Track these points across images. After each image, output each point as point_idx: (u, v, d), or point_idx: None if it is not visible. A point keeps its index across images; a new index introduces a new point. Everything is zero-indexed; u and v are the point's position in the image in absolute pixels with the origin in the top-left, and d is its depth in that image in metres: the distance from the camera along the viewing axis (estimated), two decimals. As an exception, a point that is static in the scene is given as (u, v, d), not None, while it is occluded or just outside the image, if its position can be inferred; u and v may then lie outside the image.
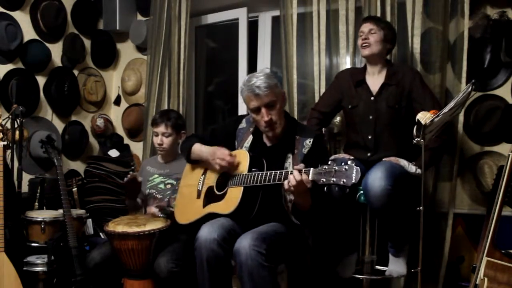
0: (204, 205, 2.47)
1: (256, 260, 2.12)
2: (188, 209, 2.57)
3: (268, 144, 2.47)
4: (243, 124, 2.59)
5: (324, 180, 1.99)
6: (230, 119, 2.57)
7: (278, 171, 2.18)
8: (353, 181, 1.91)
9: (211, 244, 2.19)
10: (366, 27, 2.71)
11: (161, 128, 2.96)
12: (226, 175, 2.44)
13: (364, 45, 2.68)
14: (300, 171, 2.08)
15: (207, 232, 2.23)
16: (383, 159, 2.59)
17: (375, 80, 2.73)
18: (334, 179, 1.96)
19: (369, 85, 2.73)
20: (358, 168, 1.93)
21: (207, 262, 2.21)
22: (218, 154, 2.41)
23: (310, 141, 2.37)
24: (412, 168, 2.55)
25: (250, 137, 2.51)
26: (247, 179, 2.28)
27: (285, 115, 2.47)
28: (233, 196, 2.32)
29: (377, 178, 2.39)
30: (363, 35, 2.70)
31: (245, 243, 2.15)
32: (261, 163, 2.33)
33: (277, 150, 2.41)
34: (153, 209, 2.85)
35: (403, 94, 2.66)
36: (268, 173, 2.21)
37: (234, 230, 2.30)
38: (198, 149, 2.55)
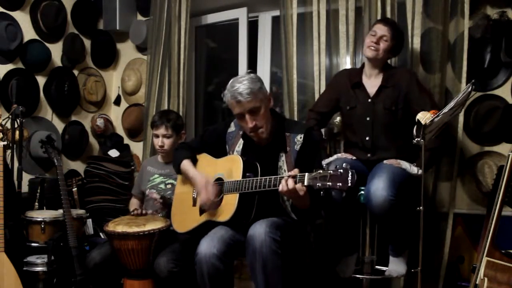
0: (201, 213, 2.46)
1: (271, 247, 2.11)
2: (185, 218, 2.55)
3: (259, 145, 2.44)
4: (232, 128, 2.56)
5: (320, 184, 1.97)
6: (220, 122, 2.55)
7: (273, 177, 2.16)
8: (349, 184, 1.90)
9: (211, 259, 2.18)
10: (381, 30, 2.65)
11: (161, 130, 2.96)
12: (220, 181, 2.42)
13: (372, 47, 2.65)
14: (294, 177, 2.06)
15: (206, 247, 2.21)
16: (384, 162, 2.59)
17: (372, 82, 2.73)
18: (330, 184, 1.93)
19: (366, 87, 2.73)
20: (354, 171, 1.91)
21: (208, 277, 2.20)
22: (202, 194, 2.36)
23: (301, 137, 2.35)
24: (414, 169, 2.55)
25: (241, 141, 2.49)
26: (242, 185, 2.26)
27: (273, 113, 2.44)
28: (229, 203, 2.30)
29: (379, 188, 2.38)
30: (375, 35, 2.65)
31: (260, 229, 2.14)
32: (255, 167, 2.30)
33: (269, 150, 2.39)
34: (155, 195, 2.87)
35: (400, 96, 2.66)
36: (263, 179, 2.19)
37: (234, 240, 2.28)
38: (185, 170, 2.52)
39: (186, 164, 2.53)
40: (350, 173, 1.90)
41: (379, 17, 2.95)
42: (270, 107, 2.40)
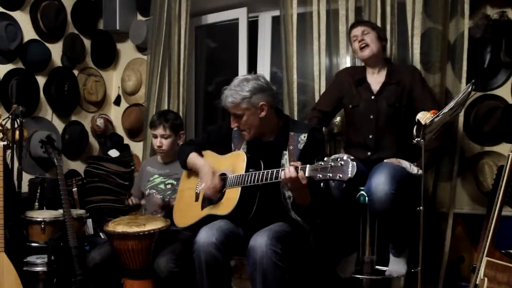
0: (202, 207, 2.48)
1: (271, 259, 2.12)
2: (186, 213, 2.57)
3: (263, 142, 2.47)
4: None
5: (321, 176, 2.00)
6: (224, 121, 2.60)
7: (275, 169, 2.19)
8: (349, 175, 1.92)
9: (209, 248, 2.19)
10: (357, 30, 2.72)
11: (159, 130, 2.96)
12: (224, 176, 2.44)
13: (362, 46, 2.68)
14: (296, 168, 2.09)
15: (205, 236, 2.23)
16: (385, 161, 2.59)
17: (375, 79, 2.73)
18: (330, 175, 1.96)
19: (370, 84, 2.73)
20: (354, 163, 1.93)
21: (206, 265, 2.21)
22: (208, 183, 2.42)
23: (304, 136, 2.39)
24: (414, 169, 2.55)
25: None
26: (244, 179, 2.29)
27: (278, 113, 2.48)
28: (231, 196, 2.33)
29: (380, 183, 2.39)
30: (357, 38, 2.70)
31: (261, 241, 2.16)
32: (258, 163, 2.33)
33: (273, 149, 2.42)
34: (157, 199, 2.86)
35: (404, 93, 2.66)
36: (265, 172, 2.23)
37: (233, 233, 2.30)
38: (193, 161, 2.57)
39: (193, 156, 2.57)
40: (350, 164, 1.92)
41: (379, 17, 2.96)
42: (262, 116, 2.39)
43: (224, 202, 2.37)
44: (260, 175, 2.24)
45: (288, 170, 2.09)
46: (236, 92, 2.36)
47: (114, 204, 3.76)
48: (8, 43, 3.53)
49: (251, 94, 2.36)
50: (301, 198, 2.25)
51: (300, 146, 2.38)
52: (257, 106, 2.37)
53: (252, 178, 2.26)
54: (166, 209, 2.82)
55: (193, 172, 2.65)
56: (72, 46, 4.02)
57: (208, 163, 2.51)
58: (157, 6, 3.84)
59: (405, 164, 2.56)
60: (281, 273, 2.15)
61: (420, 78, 2.70)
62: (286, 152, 2.39)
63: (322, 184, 2.02)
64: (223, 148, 2.58)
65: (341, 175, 1.93)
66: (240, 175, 2.33)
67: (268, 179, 2.20)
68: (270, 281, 2.13)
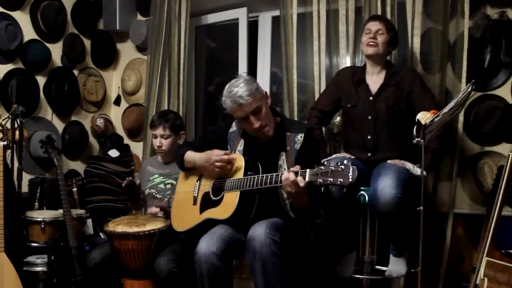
0: (201, 211, 2.47)
1: (271, 248, 2.13)
2: (185, 216, 2.56)
3: (260, 143, 2.45)
4: (233, 128, 2.58)
5: (321, 180, 1.98)
6: (221, 122, 2.57)
7: (274, 174, 2.18)
8: (350, 180, 1.91)
9: (210, 258, 2.19)
10: (374, 25, 2.68)
11: (159, 130, 2.96)
12: (222, 180, 2.43)
13: (370, 43, 2.66)
14: (296, 173, 2.07)
15: (205, 246, 2.22)
16: (388, 162, 2.58)
17: (374, 80, 2.73)
18: (331, 179, 1.95)
19: (368, 85, 2.72)
20: (355, 167, 1.92)
21: (208, 275, 2.21)
22: (214, 157, 2.39)
23: (301, 136, 2.36)
24: (417, 170, 2.54)
25: (242, 140, 2.50)
26: (243, 183, 2.27)
27: (274, 112, 2.47)
28: (230, 201, 2.31)
29: (387, 187, 2.38)
30: (370, 33, 2.67)
31: (260, 230, 2.16)
32: (256, 166, 2.32)
33: (270, 149, 2.41)
34: (153, 209, 2.86)
35: (403, 95, 2.65)
36: (264, 176, 2.21)
37: (234, 239, 2.30)
38: (191, 156, 2.54)
39: (190, 153, 2.54)
40: (351, 169, 1.92)
41: (379, 17, 2.96)
42: (269, 105, 2.41)
43: (223, 206, 2.36)
44: (259, 180, 2.22)
45: (288, 175, 2.08)
46: (246, 84, 2.32)
47: (114, 204, 3.77)
48: (8, 43, 3.53)
49: (256, 83, 2.37)
50: (299, 203, 2.24)
51: (297, 146, 2.35)
52: (264, 94, 2.39)
53: (251, 182, 2.24)
54: (166, 215, 2.81)
55: (190, 174, 2.64)
56: (72, 46, 4.02)
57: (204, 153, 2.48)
58: (157, 6, 3.84)
59: (409, 165, 2.56)
60: (280, 262, 2.16)
61: (420, 79, 2.70)
62: (283, 153, 2.37)
63: (322, 189, 2.01)
64: (219, 149, 2.55)
65: (342, 180, 1.93)
66: (239, 179, 2.31)
67: (268, 184, 2.19)
68: (270, 270, 2.13)
